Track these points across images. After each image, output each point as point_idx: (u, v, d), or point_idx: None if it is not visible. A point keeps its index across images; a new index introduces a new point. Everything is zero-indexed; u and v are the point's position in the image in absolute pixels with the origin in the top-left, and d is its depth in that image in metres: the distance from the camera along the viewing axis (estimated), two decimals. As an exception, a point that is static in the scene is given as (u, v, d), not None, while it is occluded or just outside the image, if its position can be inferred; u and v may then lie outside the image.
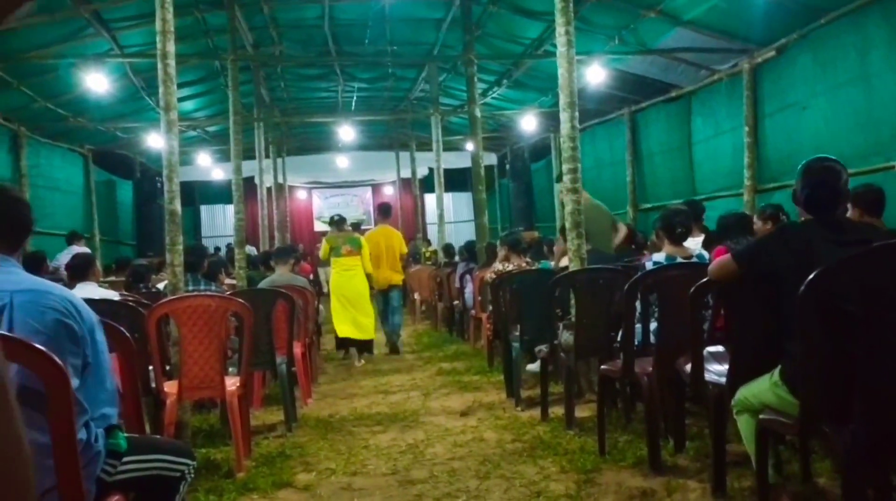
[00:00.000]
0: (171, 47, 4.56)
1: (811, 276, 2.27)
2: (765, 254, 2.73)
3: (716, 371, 3.31)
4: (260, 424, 4.96)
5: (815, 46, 7.87)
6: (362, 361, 7.65)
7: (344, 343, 7.86)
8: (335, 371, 7.33)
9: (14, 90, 9.70)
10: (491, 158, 19.02)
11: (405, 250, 8.71)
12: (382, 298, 8.12)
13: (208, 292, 4.88)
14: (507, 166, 18.72)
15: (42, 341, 1.85)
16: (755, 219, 5.16)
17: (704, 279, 3.28)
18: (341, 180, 21.45)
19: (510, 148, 18.56)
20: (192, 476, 2.44)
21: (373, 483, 3.68)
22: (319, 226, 22.23)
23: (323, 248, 7.99)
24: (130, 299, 4.89)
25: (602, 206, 6.95)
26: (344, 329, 7.64)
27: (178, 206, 4.57)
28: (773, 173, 8.64)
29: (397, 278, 8.23)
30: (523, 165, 18.11)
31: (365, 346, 7.78)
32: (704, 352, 3.39)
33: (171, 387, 3.94)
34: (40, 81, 9.96)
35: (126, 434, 2.20)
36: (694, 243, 4.51)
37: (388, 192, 21.93)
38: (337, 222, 7.95)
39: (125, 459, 2.15)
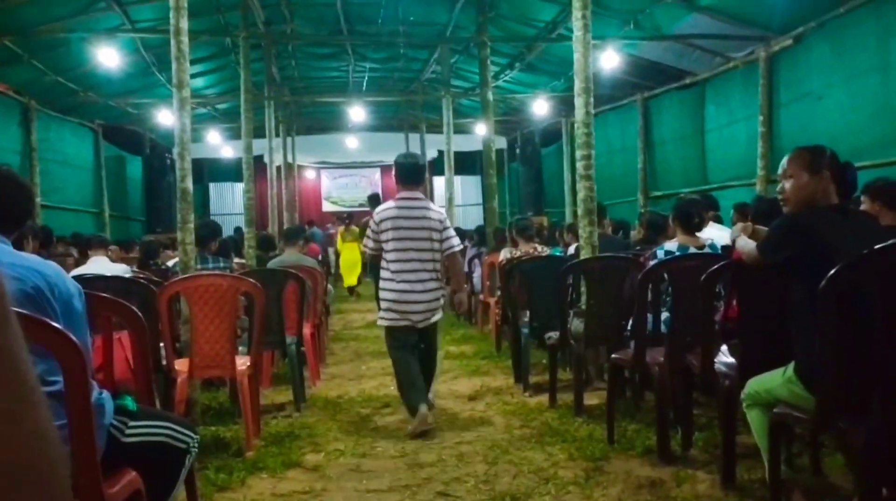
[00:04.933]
0: (185, 24, 4.52)
1: (833, 271, 2.24)
2: (778, 242, 2.71)
3: (726, 362, 3.30)
4: (269, 403, 4.98)
5: (834, 35, 7.78)
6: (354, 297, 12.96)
7: (352, 290, 13.26)
8: (343, 352, 7.35)
9: (25, 64, 9.68)
10: (501, 142, 18.93)
11: None
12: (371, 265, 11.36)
13: (219, 272, 4.87)
14: (518, 151, 18.64)
15: None
16: None
17: (715, 267, 3.27)
18: (350, 161, 21.41)
19: (520, 132, 18.48)
20: (196, 450, 2.49)
21: (381, 466, 3.69)
22: (328, 206, 22.22)
23: (338, 241, 14.01)
24: (142, 276, 4.90)
25: None
26: (349, 281, 13.30)
27: (189, 184, 4.56)
28: (787, 164, 8.57)
29: None
30: (533, 150, 18.02)
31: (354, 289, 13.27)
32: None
33: (181, 365, 3.95)
34: (51, 55, 9.93)
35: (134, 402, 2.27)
36: (707, 235, 4.49)
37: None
38: (346, 223, 14.00)
39: (135, 423, 2.22)
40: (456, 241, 4.58)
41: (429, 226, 4.43)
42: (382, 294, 4.48)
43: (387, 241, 4.41)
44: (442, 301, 4.64)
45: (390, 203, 4.53)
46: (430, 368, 4.61)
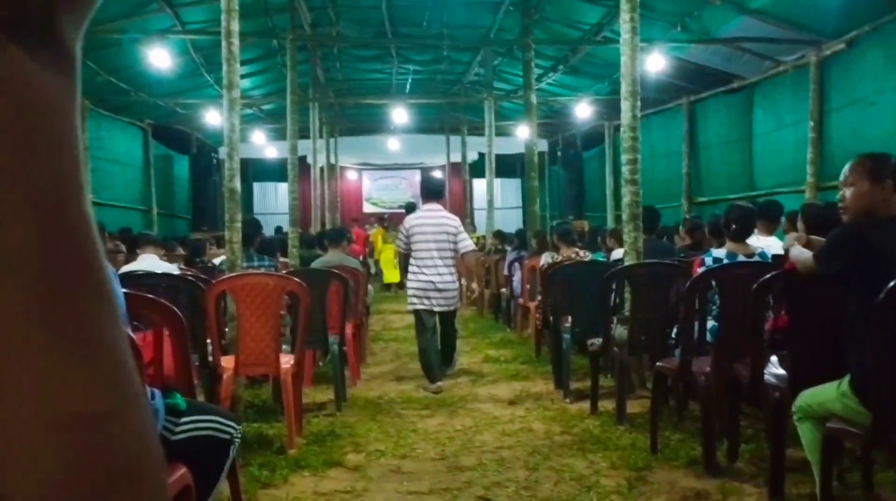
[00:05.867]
0: (236, 26, 4.60)
1: (892, 284, 2.19)
2: (835, 253, 2.65)
3: (775, 374, 3.24)
4: (310, 402, 5.03)
5: (887, 40, 7.58)
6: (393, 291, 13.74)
7: (389, 286, 13.99)
8: (383, 353, 7.39)
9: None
10: (542, 145, 18.83)
11: None
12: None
13: (265, 271, 4.94)
14: (559, 154, 18.53)
15: None
16: None
17: (766, 276, 3.21)
18: (391, 163, 21.51)
19: (562, 135, 18.36)
20: (239, 439, 2.52)
21: (422, 468, 3.70)
22: (369, 207, 22.36)
23: (379, 241, 14.64)
24: (189, 273, 5.00)
25: None
26: (390, 278, 13.87)
27: (237, 184, 4.63)
28: (837, 170, 8.35)
29: None
30: (575, 153, 17.90)
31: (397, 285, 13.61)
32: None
33: (227, 362, 4.01)
34: (104, 55, 10.18)
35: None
36: (764, 244, 4.38)
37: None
38: (386, 227, 15.17)
39: (184, 420, 2.25)
40: (469, 243, 5.78)
41: (446, 231, 5.62)
42: (410, 283, 5.69)
43: (414, 243, 5.60)
44: (458, 293, 5.81)
45: (417, 213, 5.84)
46: (449, 347, 5.86)
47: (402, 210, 15.14)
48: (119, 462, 0.32)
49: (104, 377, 0.32)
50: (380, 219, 17.29)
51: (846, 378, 2.53)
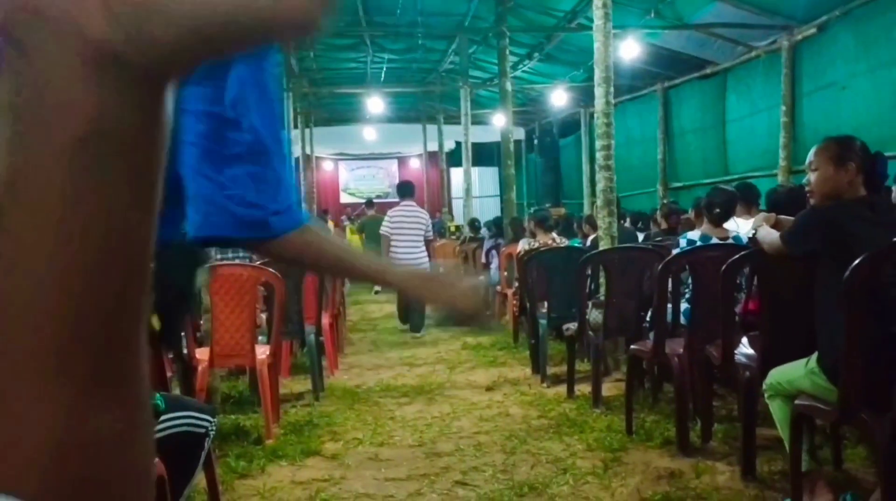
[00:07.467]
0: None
1: (857, 261, 2.22)
2: (803, 235, 2.69)
3: (746, 354, 3.28)
4: (287, 392, 5.01)
5: (858, 24, 7.67)
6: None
7: None
8: (361, 343, 7.38)
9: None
10: (518, 133, 18.84)
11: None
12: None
13: (239, 262, 4.90)
14: (535, 142, 18.56)
15: None
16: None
17: (735, 257, 3.24)
18: (367, 152, 21.41)
19: (538, 123, 18.39)
20: (214, 432, 2.50)
21: (399, 455, 3.71)
22: (346, 198, 22.27)
23: (349, 233, 14.29)
24: (162, 265, 4.94)
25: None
26: None
27: (210, 174, 4.58)
28: (809, 154, 8.47)
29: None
30: (551, 141, 17.94)
31: None
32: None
33: (202, 354, 3.98)
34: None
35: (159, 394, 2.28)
36: (745, 226, 4.41)
37: (415, 165, 21.86)
38: (352, 219, 15.29)
39: (161, 418, 2.22)
40: (431, 234, 7.84)
41: (419, 223, 7.46)
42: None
43: (395, 231, 7.29)
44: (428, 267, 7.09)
45: (398, 208, 7.54)
46: (419, 316, 7.44)
47: (378, 201, 15.19)
48: (130, 477, 0.38)
49: (132, 399, 0.37)
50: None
51: (814, 356, 2.57)
